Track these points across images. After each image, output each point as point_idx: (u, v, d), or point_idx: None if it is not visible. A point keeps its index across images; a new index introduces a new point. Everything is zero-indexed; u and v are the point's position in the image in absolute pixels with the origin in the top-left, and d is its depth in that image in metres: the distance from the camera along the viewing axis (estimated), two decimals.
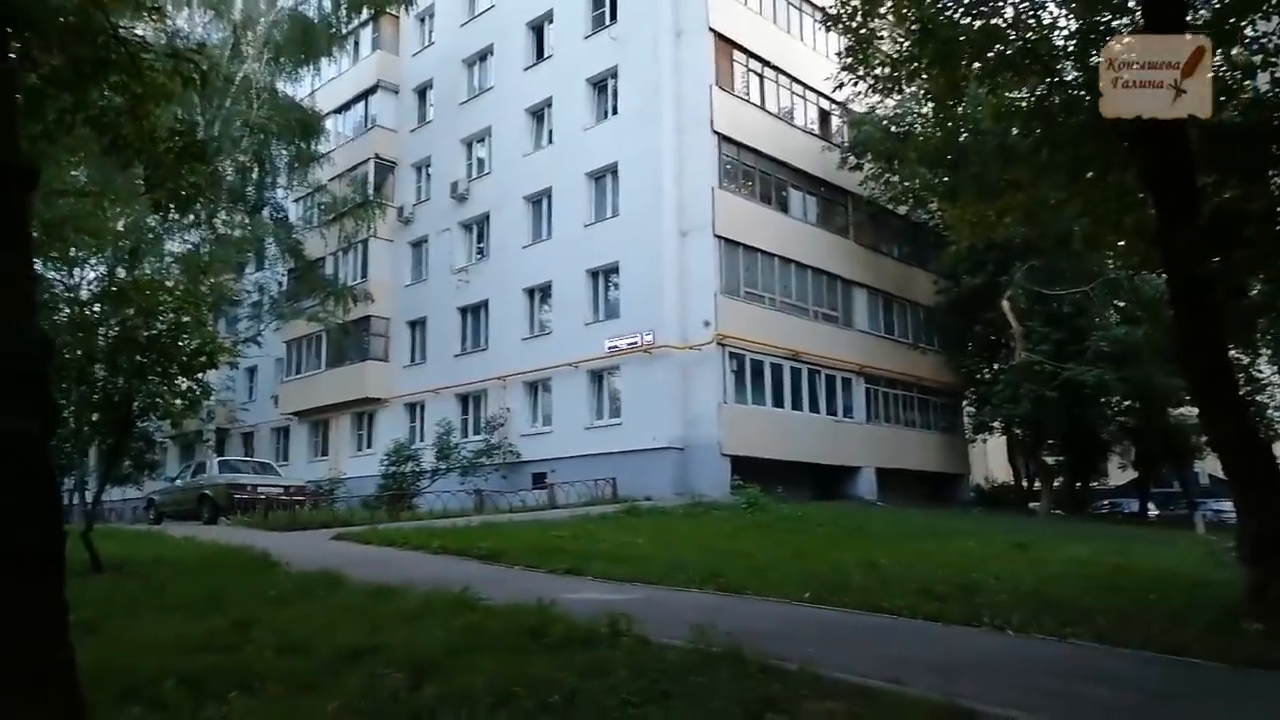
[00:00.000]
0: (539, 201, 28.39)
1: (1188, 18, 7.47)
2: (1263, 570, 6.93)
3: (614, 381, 25.39)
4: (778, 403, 25.22)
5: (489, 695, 4.39)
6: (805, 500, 22.52)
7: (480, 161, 31.10)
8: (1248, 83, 8.30)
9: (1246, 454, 7.48)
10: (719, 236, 24.32)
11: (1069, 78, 8.48)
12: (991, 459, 40.89)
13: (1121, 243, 10.58)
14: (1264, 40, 7.82)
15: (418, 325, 32.11)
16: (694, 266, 24.30)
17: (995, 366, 32.00)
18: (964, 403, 33.77)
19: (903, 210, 29.88)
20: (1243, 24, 7.70)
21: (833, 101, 28.27)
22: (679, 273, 24.37)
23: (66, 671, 1.61)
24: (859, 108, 25.96)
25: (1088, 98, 7.75)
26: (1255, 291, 9.82)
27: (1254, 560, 7.05)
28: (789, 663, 4.89)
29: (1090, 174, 8.55)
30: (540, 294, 28.02)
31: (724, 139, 25.22)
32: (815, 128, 29.10)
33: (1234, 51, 8.33)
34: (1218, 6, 7.93)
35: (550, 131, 28.65)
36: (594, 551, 11.51)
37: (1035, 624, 6.70)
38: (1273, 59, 7.85)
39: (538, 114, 29.11)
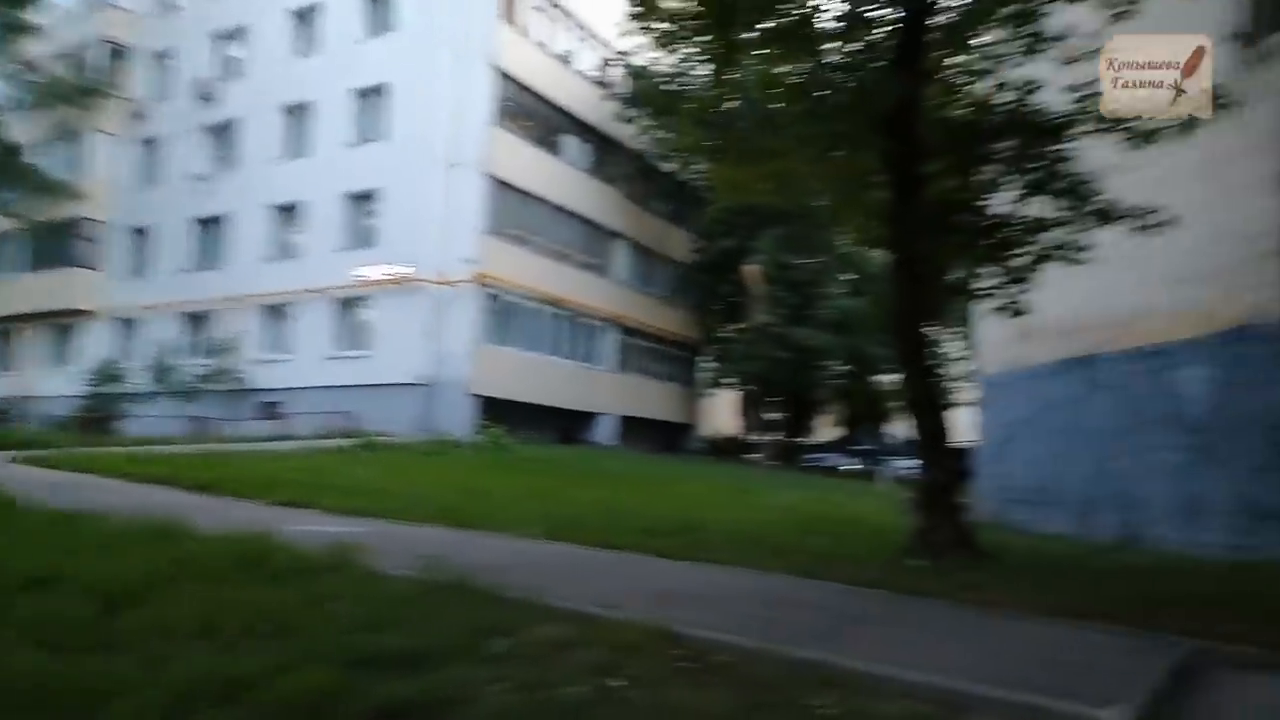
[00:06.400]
0: (298, 113, 26.27)
1: (929, 20, 8.20)
2: (928, 515, 8.02)
3: (364, 312, 24.33)
4: (532, 346, 25.36)
5: (193, 625, 4.08)
6: (548, 443, 22.91)
7: (233, 61, 28.19)
8: (974, 85, 9.28)
9: (932, 416, 8.54)
10: (490, 175, 23.82)
11: (833, 59, 8.98)
12: (720, 412, 43.44)
13: (858, 219, 11.49)
14: (987, 49, 8.77)
15: (141, 234, 28.87)
16: (461, 202, 23.67)
17: (736, 326, 34.10)
18: (702, 357, 35.72)
19: (670, 168, 30.82)
20: (970, 35, 8.59)
21: (617, 51, 28.41)
22: (445, 207, 23.65)
23: None
24: (641, 61, 26.30)
25: (850, 81, 8.31)
26: (958, 275, 11.02)
27: (923, 507, 8.12)
28: (517, 592, 4.99)
29: (841, 151, 9.16)
30: (290, 213, 26.11)
31: (505, 76, 24.62)
32: (598, 76, 29.13)
33: (963, 58, 9.28)
34: (954, 18, 8.76)
35: (317, 39, 26.51)
36: (325, 484, 11.06)
37: (747, 560, 7.29)
38: (991, 69, 8.83)
39: (304, 17, 26.83)
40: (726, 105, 9.48)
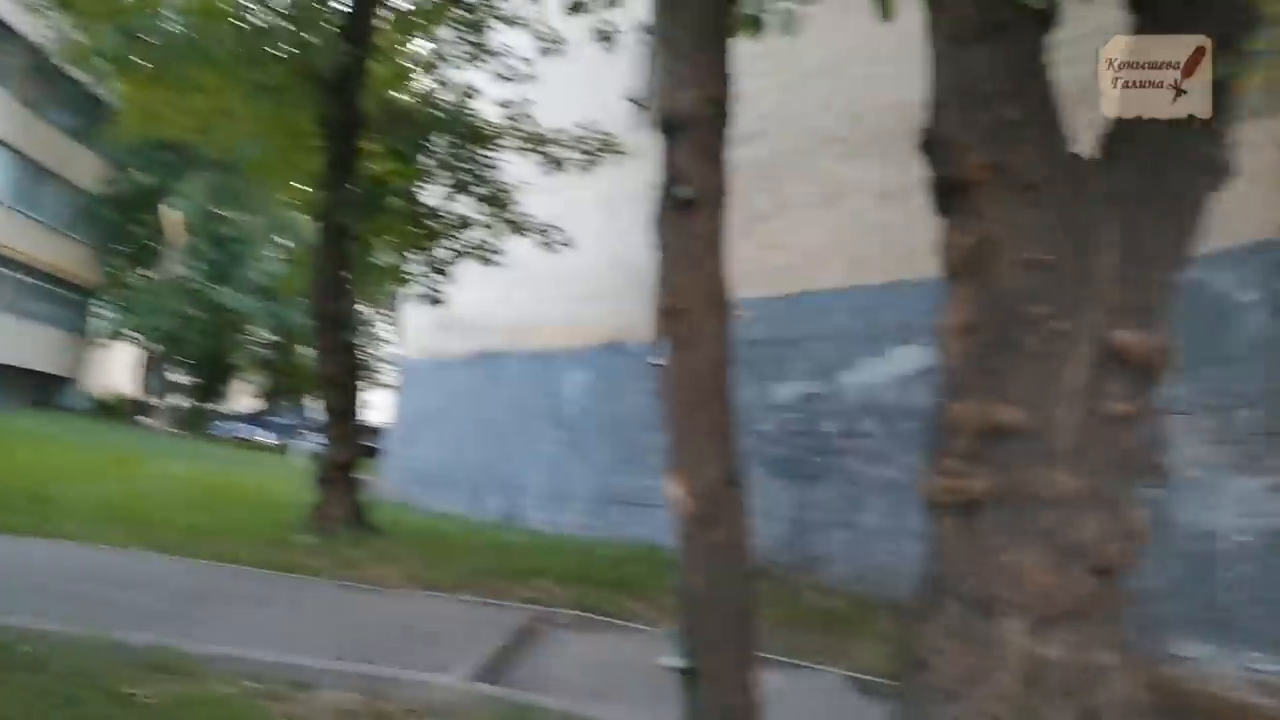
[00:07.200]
0: None
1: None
2: (326, 491, 8.00)
3: None
4: None
5: None
6: None
7: None
8: (421, 77, 9.55)
9: (343, 392, 8.54)
10: None
11: (281, 8, 8.39)
12: (116, 367, 38.20)
13: (291, 180, 10.96)
14: (437, 46, 9.11)
15: None
16: None
17: (146, 274, 30.15)
18: (98, 303, 30.82)
19: (81, 76, 25.94)
20: (421, 28, 8.85)
21: None
22: None
23: None
24: None
25: (296, 34, 7.82)
26: (387, 256, 11.17)
27: (322, 482, 8.08)
28: None
29: (277, 103, 8.59)
30: None
31: None
32: None
33: (414, 48, 9.49)
34: (409, 7, 8.90)
35: None
36: None
37: (103, 536, 6.41)
38: (438, 66, 9.20)
39: None
40: (153, 20, 8.29)
